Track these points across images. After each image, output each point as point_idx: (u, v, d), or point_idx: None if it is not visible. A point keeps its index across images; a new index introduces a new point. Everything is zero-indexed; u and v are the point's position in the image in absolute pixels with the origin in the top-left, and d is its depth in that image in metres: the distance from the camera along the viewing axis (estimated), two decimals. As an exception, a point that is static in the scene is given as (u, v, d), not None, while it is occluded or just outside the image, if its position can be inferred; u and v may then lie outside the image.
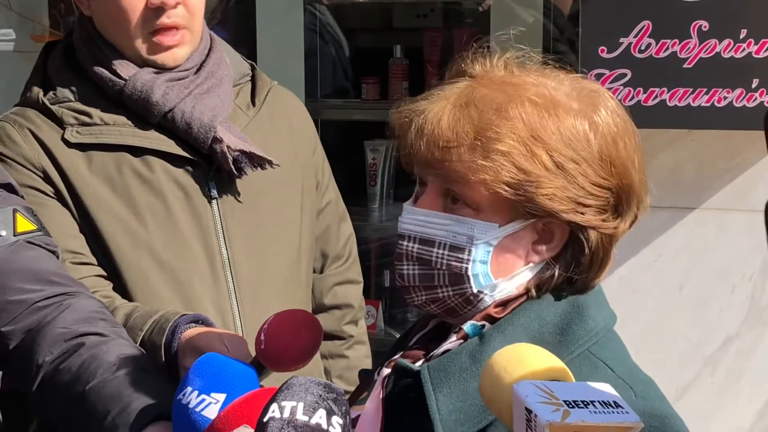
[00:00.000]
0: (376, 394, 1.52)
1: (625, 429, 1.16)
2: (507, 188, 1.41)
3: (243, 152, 2.05)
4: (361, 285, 2.42)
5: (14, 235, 1.81)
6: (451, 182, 1.45)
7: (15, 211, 1.84)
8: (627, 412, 1.17)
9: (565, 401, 1.15)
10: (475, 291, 1.46)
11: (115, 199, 2.02)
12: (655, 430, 1.38)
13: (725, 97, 2.86)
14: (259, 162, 2.07)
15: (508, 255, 1.46)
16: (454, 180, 1.44)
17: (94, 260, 2.02)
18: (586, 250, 1.46)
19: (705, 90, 2.87)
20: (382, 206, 4.30)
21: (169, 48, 2.06)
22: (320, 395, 1.30)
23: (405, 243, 1.48)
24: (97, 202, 2.01)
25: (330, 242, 2.32)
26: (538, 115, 1.42)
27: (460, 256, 1.45)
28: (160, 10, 2.01)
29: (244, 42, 4.05)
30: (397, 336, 3.92)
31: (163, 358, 1.83)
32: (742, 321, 3.09)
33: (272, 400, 1.31)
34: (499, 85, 1.45)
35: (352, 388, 1.91)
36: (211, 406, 1.49)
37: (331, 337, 2.33)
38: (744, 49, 2.82)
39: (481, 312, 1.49)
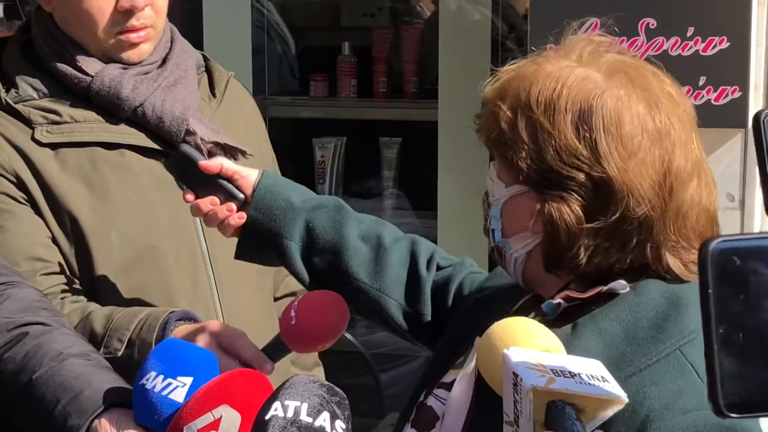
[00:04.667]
0: (469, 376, 1.48)
1: (609, 402, 1.17)
2: (494, 148, 1.50)
3: (217, 144, 2.04)
4: None
5: None
6: None
7: None
8: (613, 387, 1.18)
9: (552, 369, 1.18)
10: (492, 245, 1.53)
11: (93, 197, 1.99)
12: None
13: (673, 95, 2.87)
14: (232, 152, 2.06)
15: (513, 218, 1.49)
16: None
17: (64, 267, 1.97)
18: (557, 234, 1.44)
19: (653, 88, 2.88)
20: (331, 204, 4.29)
21: (135, 45, 2.03)
22: (324, 397, 1.29)
23: None
24: (73, 202, 1.97)
25: None
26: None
27: (486, 212, 1.54)
28: (129, 13, 1.99)
29: (190, 38, 4.02)
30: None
31: None
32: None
33: (274, 397, 1.30)
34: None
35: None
36: (178, 389, 1.51)
37: None
38: (691, 47, 2.83)
39: (559, 290, 1.47)
